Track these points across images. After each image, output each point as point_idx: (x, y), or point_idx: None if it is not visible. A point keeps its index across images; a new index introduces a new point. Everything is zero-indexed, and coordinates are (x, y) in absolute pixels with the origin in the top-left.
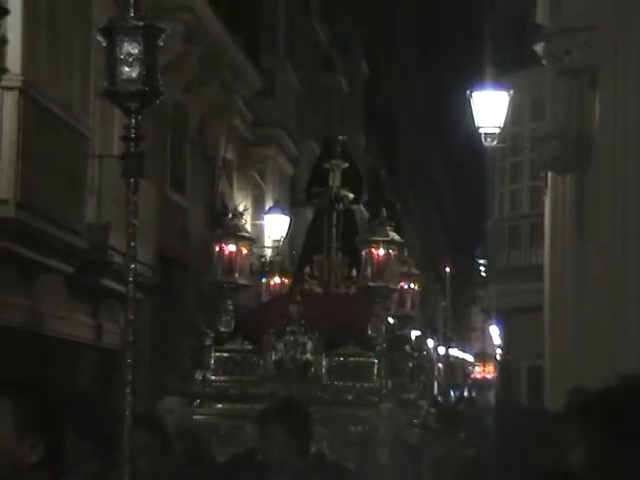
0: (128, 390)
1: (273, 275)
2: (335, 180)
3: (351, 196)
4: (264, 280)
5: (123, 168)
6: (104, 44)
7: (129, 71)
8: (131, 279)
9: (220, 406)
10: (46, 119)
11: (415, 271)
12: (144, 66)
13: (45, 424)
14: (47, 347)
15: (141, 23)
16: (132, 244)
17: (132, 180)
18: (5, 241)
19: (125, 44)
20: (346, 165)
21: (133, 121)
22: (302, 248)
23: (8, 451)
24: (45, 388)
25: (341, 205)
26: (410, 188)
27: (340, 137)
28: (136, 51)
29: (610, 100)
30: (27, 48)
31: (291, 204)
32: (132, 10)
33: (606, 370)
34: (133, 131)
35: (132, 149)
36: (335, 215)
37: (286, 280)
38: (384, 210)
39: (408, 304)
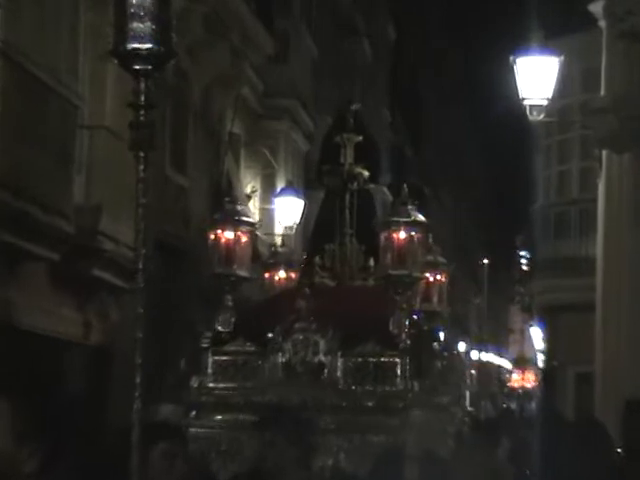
0: (137, 394)
1: (277, 268)
2: (347, 156)
3: (366, 174)
4: (267, 275)
5: (131, 139)
6: None
7: (140, 28)
8: (140, 267)
9: (220, 417)
10: (30, 86)
11: (442, 260)
12: (157, 22)
13: (43, 431)
14: (27, 344)
15: None
16: (141, 226)
17: (142, 153)
18: None
19: None
20: (360, 138)
21: (143, 86)
22: (311, 235)
23: (2, 458)
24: (41, 390)
25: (355, 184)
26: (440, 169)
27: (353, 106)
28: (148, 3)
29: None
30: (8, 7)
31: (306, 186)
32: None
33: None
34: (143, 97)
35: (142, 118)
36: (348, 196)
37: (293, 275)
38: (405, 187)
39: (435, 298)
